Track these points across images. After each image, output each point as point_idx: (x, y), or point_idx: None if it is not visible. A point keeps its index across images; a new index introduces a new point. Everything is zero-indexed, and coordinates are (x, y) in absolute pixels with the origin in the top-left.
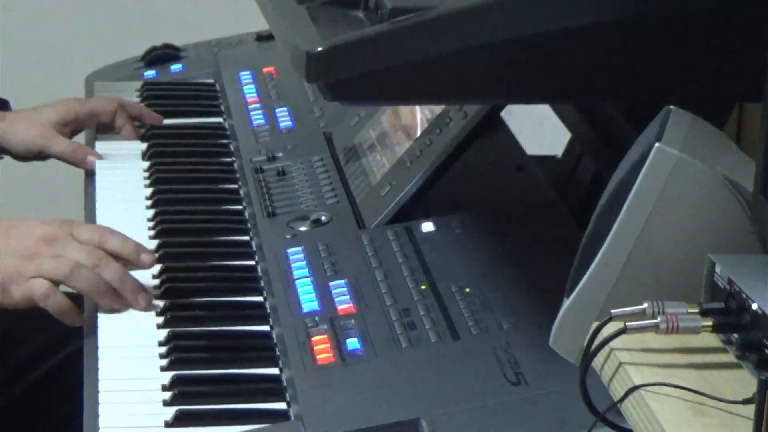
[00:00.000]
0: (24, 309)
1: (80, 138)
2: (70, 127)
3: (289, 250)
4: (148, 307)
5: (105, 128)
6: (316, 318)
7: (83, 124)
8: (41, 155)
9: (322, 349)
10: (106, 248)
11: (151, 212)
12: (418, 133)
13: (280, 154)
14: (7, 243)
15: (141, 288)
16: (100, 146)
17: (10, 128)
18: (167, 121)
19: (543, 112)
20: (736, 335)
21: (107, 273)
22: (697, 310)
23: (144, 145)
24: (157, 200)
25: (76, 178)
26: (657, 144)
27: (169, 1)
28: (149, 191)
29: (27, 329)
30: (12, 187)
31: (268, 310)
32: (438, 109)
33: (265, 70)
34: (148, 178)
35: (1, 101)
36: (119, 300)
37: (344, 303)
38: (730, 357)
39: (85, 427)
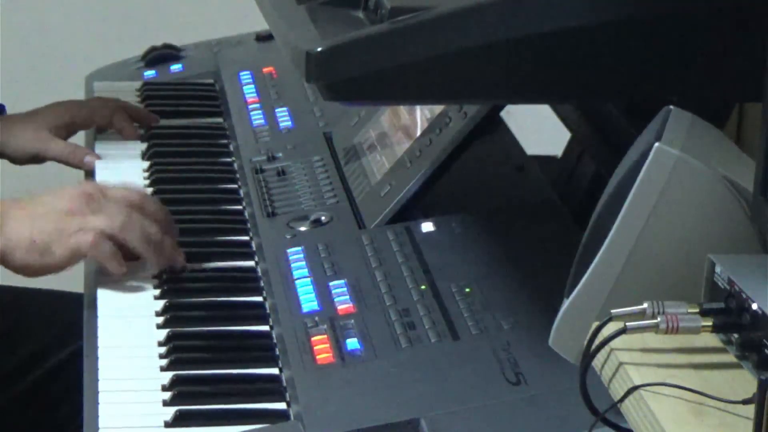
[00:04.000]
0: (62, 268)
1: (80, 139)
2: (66, 130)
3: (289, 250)
4: (183, 262)
5: (102, 128)
6: (316, 318)
7: (79, 127)
8: (37, 158)
9: (322, 349)
10: (145, 209)
11: None
12: (418, 133)
13: (280, 154)
14: (38, 209)
15: (177, 248)
16: (100, 147)
17: (6, 132)
18: (167, 122)
19: (543, 112)
20: (736, 335)
21: (150, 229)
22: (697, 310)
23: (144, 145)
24: None
25: (76, 178)
26: (657, 144)
27: (169, 1)
28: (149, 191)
29: (28, 328)
30: (12, 188)
31: (268, 310)
32: (438, 109)
33: (265, 70)
34: (148, 178)
35: None
36: (161, 256)
37: (344, 303)
38: (730, 357)
39: (85, 427)
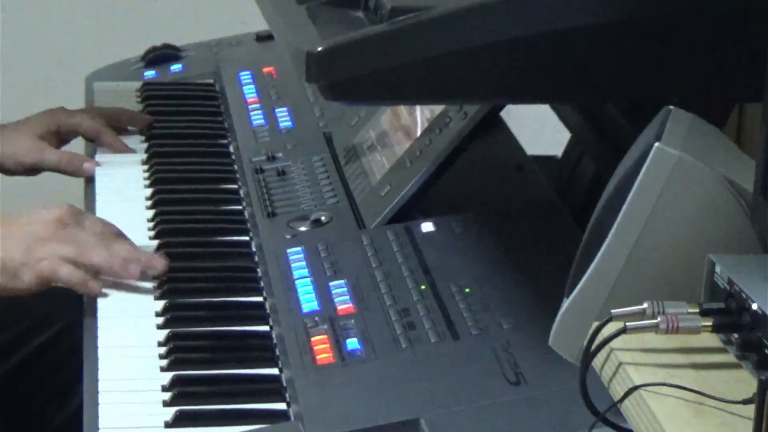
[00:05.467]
0: (36, 293)
1: (80, 145)
2: (55, 138)
3: (289, 250)
4: (165, 269)
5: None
6: (316, 318)
7: (66, 136)
8: (33, 169)
9: (322, 349)
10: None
11: (151, 213)
12: (418, 133)
13: (280, 154)
14: (12, 231)
15: (154, 255)
16: (101, 149)
17: None
18: (167, 122)
19: (543, 112)
20: (736, 335)
21: (118, 250)
22: (697, 310)
23: (144, 146)
24: (157, 201)
25: (77, 179)
26: (657, 144)
27: (169, 1)
28: (149, 192)
29: (23, 302)
30: (12, 189)
31: (268, 310)
32: (438, 109)
33: (265, 70)
34: (148, 178)
35: None
36: (134, 268)
37: (344, 303)
38: (730, 357)
39: (85, 427)
